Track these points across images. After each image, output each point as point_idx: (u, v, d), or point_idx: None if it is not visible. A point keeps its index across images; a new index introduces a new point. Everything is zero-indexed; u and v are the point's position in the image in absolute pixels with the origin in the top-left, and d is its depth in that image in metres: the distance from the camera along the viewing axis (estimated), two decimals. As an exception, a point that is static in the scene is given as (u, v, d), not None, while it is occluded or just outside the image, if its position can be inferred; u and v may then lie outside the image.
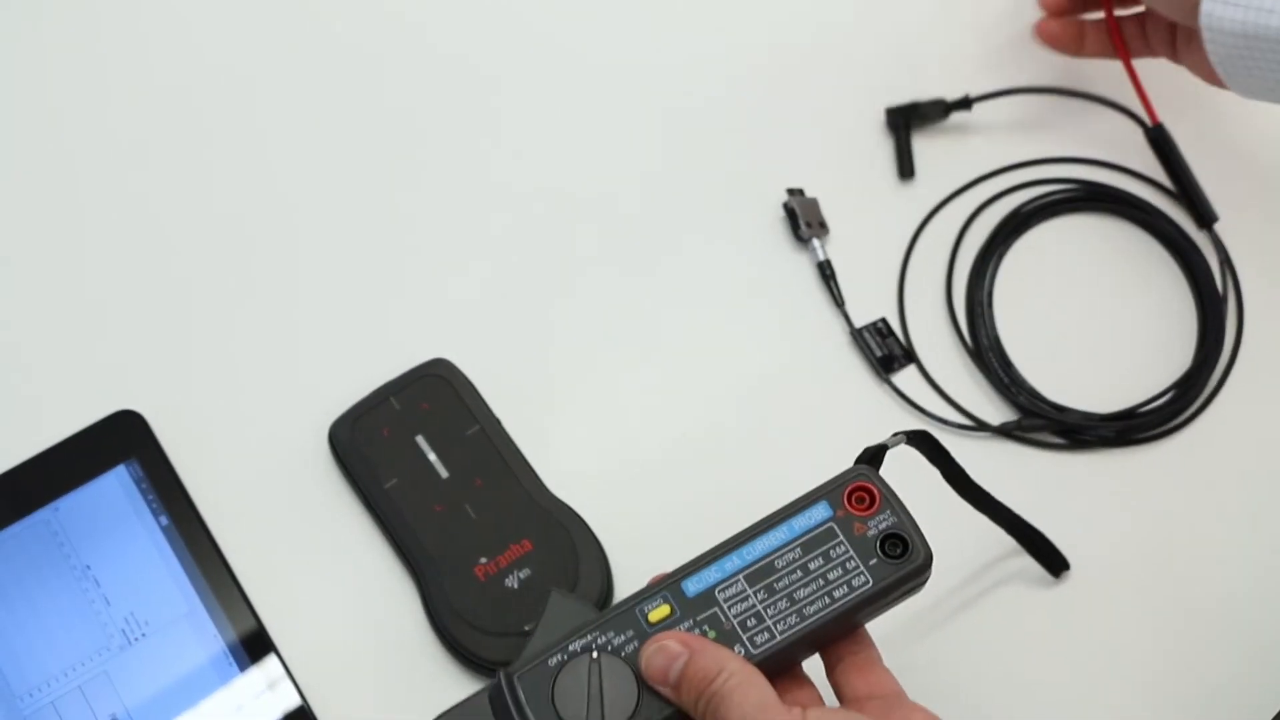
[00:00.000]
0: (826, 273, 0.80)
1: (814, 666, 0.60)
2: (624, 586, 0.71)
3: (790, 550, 0.58)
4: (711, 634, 0.57)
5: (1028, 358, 0.79)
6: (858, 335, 0.78)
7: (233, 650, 0.69)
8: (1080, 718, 0.71)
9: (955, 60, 0.87)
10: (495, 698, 0.58)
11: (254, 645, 0.69)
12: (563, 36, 0.89)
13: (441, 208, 0.83)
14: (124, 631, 0.69)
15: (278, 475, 0.74)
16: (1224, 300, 0.80)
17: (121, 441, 0.73)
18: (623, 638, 0.57)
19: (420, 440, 0.74)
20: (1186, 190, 0.80)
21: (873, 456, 0.61)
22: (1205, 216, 0.80)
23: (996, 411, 0.78)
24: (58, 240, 0.81)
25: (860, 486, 0.59)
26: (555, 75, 0.87)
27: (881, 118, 0.84)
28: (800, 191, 0.82)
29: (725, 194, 0.83)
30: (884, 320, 0.79)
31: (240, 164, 0.84)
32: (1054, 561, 0.72)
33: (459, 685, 0.70)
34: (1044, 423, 0.76)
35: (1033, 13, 0.86)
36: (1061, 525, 0.72)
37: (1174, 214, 0.82)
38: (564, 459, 0.75)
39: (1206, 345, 0.79)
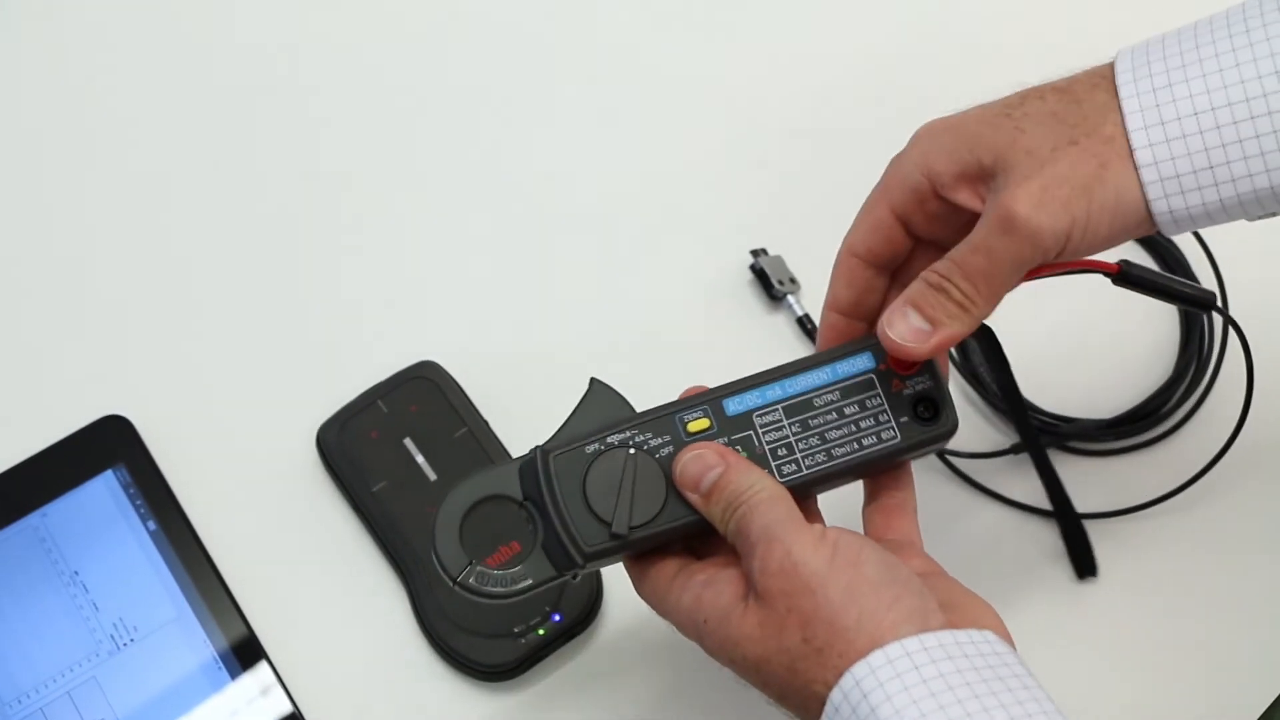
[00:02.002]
0: (808, 327, 0.79)
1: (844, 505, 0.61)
2: (613, 587, 0.71)
3: (830, 391, 0.60)
4: (743, 454, 0.58)
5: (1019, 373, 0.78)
6: None
7: (222, 656, 0.69)
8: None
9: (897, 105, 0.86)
10: (526, 471, 0.59)
11: (244, 650, 0.69)
12: (552, 45, 0.89)
13: (428, 211, 0.83)
14: (113, 637, 0.69)
15: (266, 479, 0.74)
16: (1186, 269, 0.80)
17: (109, 447, 0.73)
18: (659, 440, 0.58)
19: (408, 443, 0.74)
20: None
21: None
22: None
23: (998, 432, 0.77)
24: (44, 246, 0.81)
25: None
26: (543, 83, 0.88)
27: (834, 166, 0.83)
28: (763, 251, 0.81)
29: (694, 262, 0.82)
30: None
31: (224, 166, 0.84)
32: (1084, 562, 0.72)
33: (449, 688, 0.70)
34: (1052, 439, 0.76)
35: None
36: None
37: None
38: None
39: (1190, 346, 0.79)
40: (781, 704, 0.55)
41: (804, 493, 0.60)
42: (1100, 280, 0.79)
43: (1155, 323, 0.80)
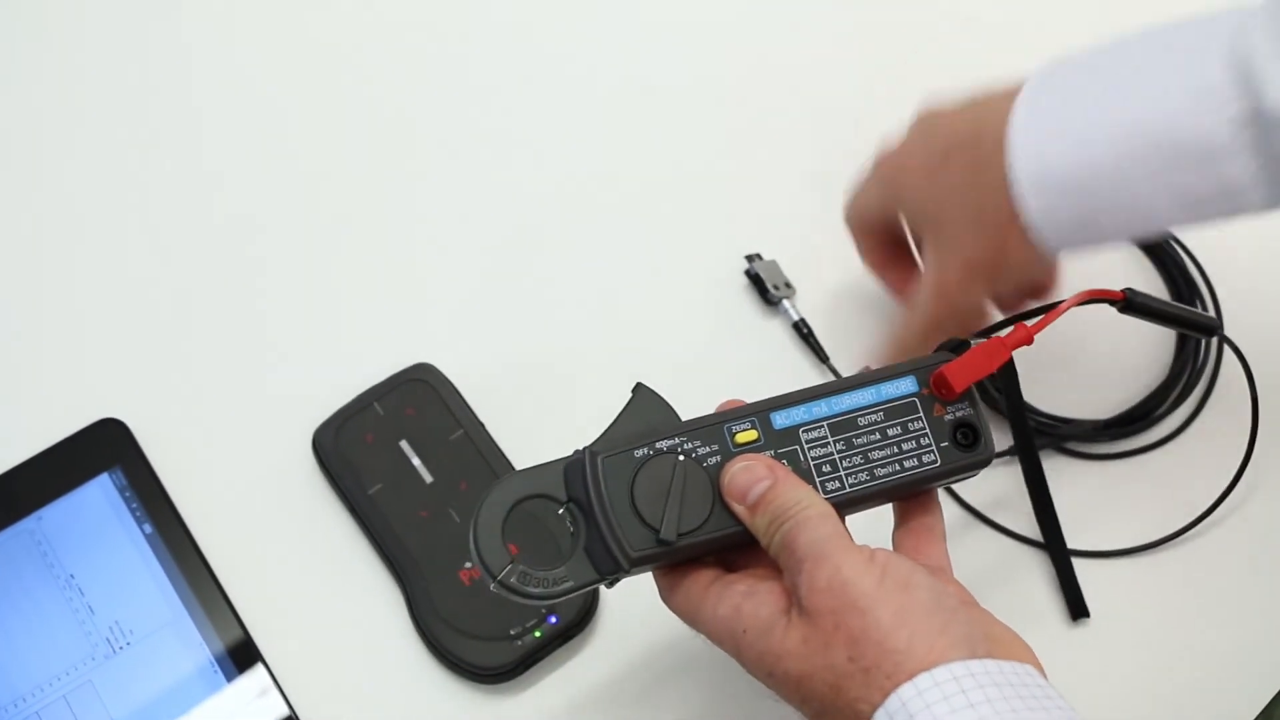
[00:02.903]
0: (804, 331, 0.79)
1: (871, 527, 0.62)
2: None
3: (874, 412, 0.60)
4: (788, 467, 0.59)
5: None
6: None
7: (219, 658, 0.69)
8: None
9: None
10: (572, 471, 0.58)
11: (240, 653, 0.69)
12: (550, 52, 0.89)
13: (424, 214, 0.83)
14: (109, 640, 0.69)
15: (262, 482, 0.74)
16: (1199, 295, 0.80)
17: (104, 450, 0.73)
18: (707, 449, 0.58)
19: (404, 445, 0.74)
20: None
21: (955, 348, 0.63)
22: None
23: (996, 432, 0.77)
24: (40, 249, 0.81)
25: (946, 379, 0.61)
26: (540, 89, 0.88)
27: (825, 171, 0.84)
28: (758, 256, 0.81)
29: (688, 268, 0.82)
30: (868, 368, 0.77)
31: (222, 171, 0.84)
32: (1076, 604, 0.73)
33: (445, 691, 0.70)
34: (1050, 440, 0.76)
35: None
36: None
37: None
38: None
39: (1185, 348, 0.79)
40: None
41: (842, 511, 0.59)
42: (1098, 274, 0.79)
43: (1151, 325, 0.80)
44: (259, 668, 0.69)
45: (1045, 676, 0.54)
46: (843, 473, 0.59)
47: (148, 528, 0.71)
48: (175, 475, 0.73)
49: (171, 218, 0.82)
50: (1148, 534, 0.74)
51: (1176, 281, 0.81)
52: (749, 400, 0.60)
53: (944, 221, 0.68)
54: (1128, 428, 0.77)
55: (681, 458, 0.58)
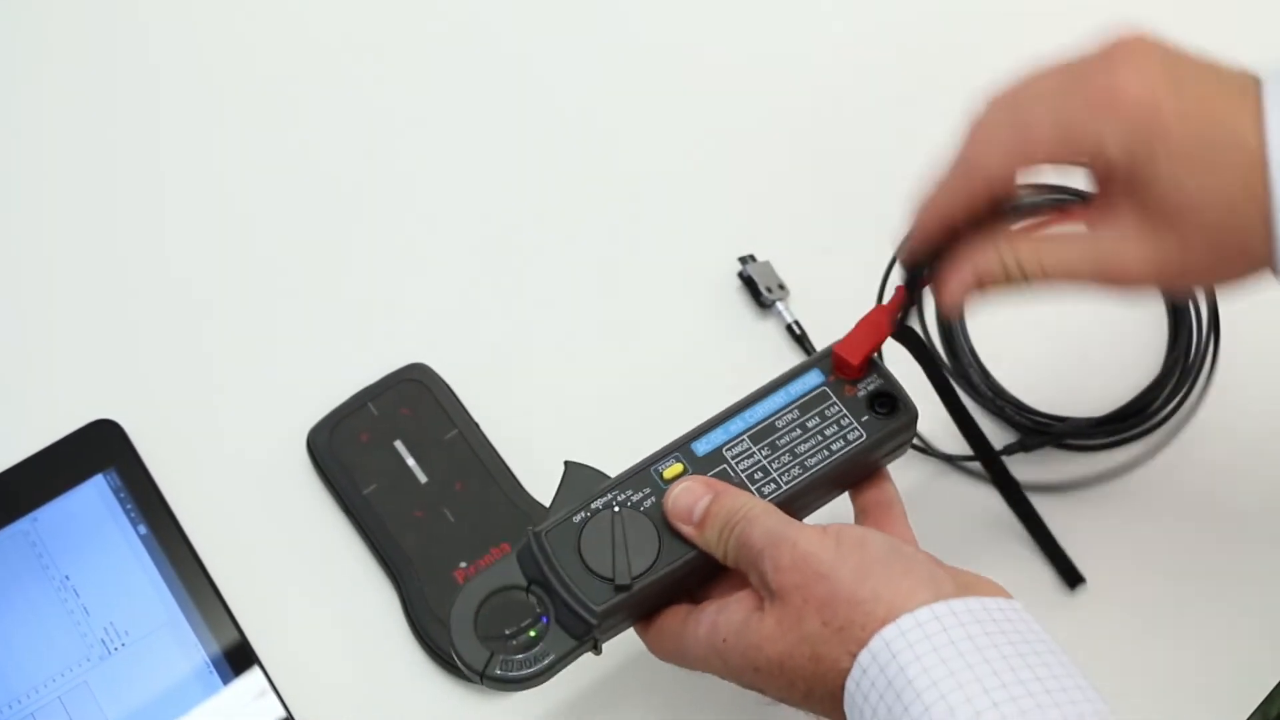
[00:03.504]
0: (797, 333, 0.79)
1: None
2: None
3: (789, 411, 0.62)
4: None
5: (1009, 373, 0.78)
6: None
7: (214, 660, 0.69)
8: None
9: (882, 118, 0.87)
10: (524, 556, 0.60)
11: (235, 654, 0.69)
12: (543, 56, 0.89)
13: (417, 214, 0.83)
14: (104, 642, 0.69)
15: (256, 482, 0.74)
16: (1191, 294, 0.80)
17: (99, 451, 0.73)
18: (640, 494, 0.61)
19: (399, 445, 0.74)
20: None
21: None
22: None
23: (990, 433, 0.76)
24: (33, 249, 0.81)
25: (842, 357, 0.63)
26: (533, 90, 0.88)
27: (819, 172, 0.84)
28: (751, 258, 0.81)
29: (681, 269, 0.82)
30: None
31: (216, 169, 0.84)
32: (1069, 574, 0.73)
33: (441, 690, 0.70)
34: (1045, 438, 0.76)
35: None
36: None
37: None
38: (542, 462, 0.74)
39: (1178, 344, 0.79)
40: (808, 703, 0.56)
41: (793, 510, 0.61)
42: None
43: (1144, 321, 0.80)
44: (255, 669, 0.69)
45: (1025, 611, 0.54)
46: (775, 474, 0.61)
47: (143, 529, 0.71)
48: (170, 476, 0.73)
49: (165, 219, 0.82)
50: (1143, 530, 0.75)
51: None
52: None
53: (1186, 213, 0.56)
54: (1122, 424, 0.77)
55: (617, 509, 0.60)
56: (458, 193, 0.84)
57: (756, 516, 0.57)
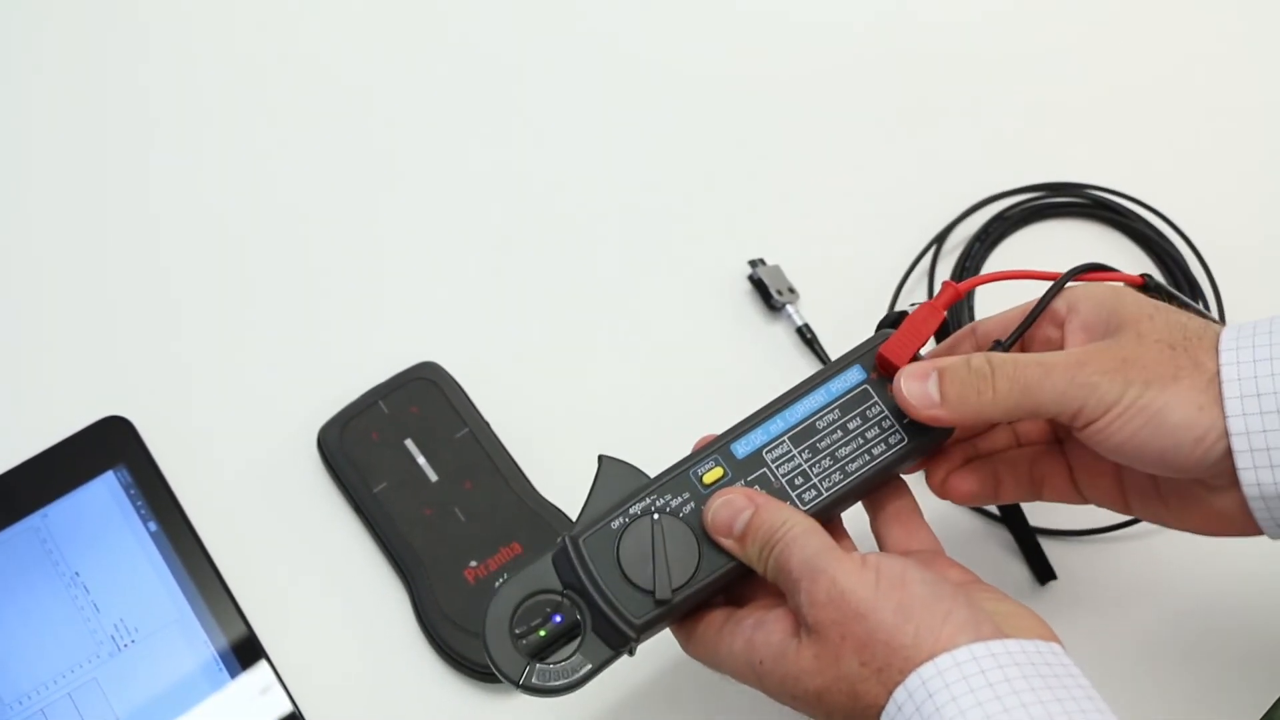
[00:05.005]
0: (808, 336, 0.79)
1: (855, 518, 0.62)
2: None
3: (830, 411, 0.61)
4: (762, 491, 0.59)
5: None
6: None
7: (223, 656, 0.69)
8: None
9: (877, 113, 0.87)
10: (560, 560, 0.59)
11: (244, 651, 0.69)
12: (553, 56, 0.90)
13: (429, 213, 0.83)
14: (113, 638, 0.69)
15: (267, 480, 0.74)
16: (1200, 294, 0.80)
17: (110, 447, 0.73)
18: (679, 499, 0.59)
19: (409, 444, 0.74)
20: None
21: (894, 322, 0.63)
22: None
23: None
24: (46, 247, 0.81)
25: (887, 359, 0.61)
26: (545, 93, 0.88)
27: (828, 175, 0.84)
28: (761, 261, 0.81)
29: (691, 273, 0.82)
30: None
31: (228, 170, 0.84)
32: (1042, 570, 0.73)
33: (450, 688, 0.70)
34: None
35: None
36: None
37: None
38: (553, 461, 0.75)
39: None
40: None
41: (830, 515, 0.60)
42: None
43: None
44: (263, 665, 0.69)
45: (1063, 647, 0.54)
46: (816, 480, 0.60)
47: (152, 525, 0.71)
48: (180, 473, 0.73)
49: (176, 219, 0.82)
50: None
51: (1177, 278, 0.81)
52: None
53: (1141, 327, 0.58)
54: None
55: (656, 515, 0.58)
56: (469, 193, 0.84)
57: (795, 538, 0.56)
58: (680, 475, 0.60)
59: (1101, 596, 0.73)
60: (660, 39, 0.90)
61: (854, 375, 0.61)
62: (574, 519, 0.71)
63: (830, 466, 0.60)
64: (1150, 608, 0.73)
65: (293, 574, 0.72)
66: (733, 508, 0.58)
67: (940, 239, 0.82)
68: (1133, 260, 0.83)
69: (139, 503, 0.72)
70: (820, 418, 0.60)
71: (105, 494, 0.72)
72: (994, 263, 0.82)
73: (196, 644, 0.69)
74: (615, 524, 0.58)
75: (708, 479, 0.59)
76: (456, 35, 0.90)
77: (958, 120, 0.87)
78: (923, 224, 0.83)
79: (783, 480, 0.59)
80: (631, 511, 0.59)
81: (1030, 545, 0.73)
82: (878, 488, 0.61)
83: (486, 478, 0.73)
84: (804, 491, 0.59)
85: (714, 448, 0.60)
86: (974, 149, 0.86)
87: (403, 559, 0.71)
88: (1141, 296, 0.59)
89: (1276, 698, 0.71)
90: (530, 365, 0.78)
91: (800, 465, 0.60)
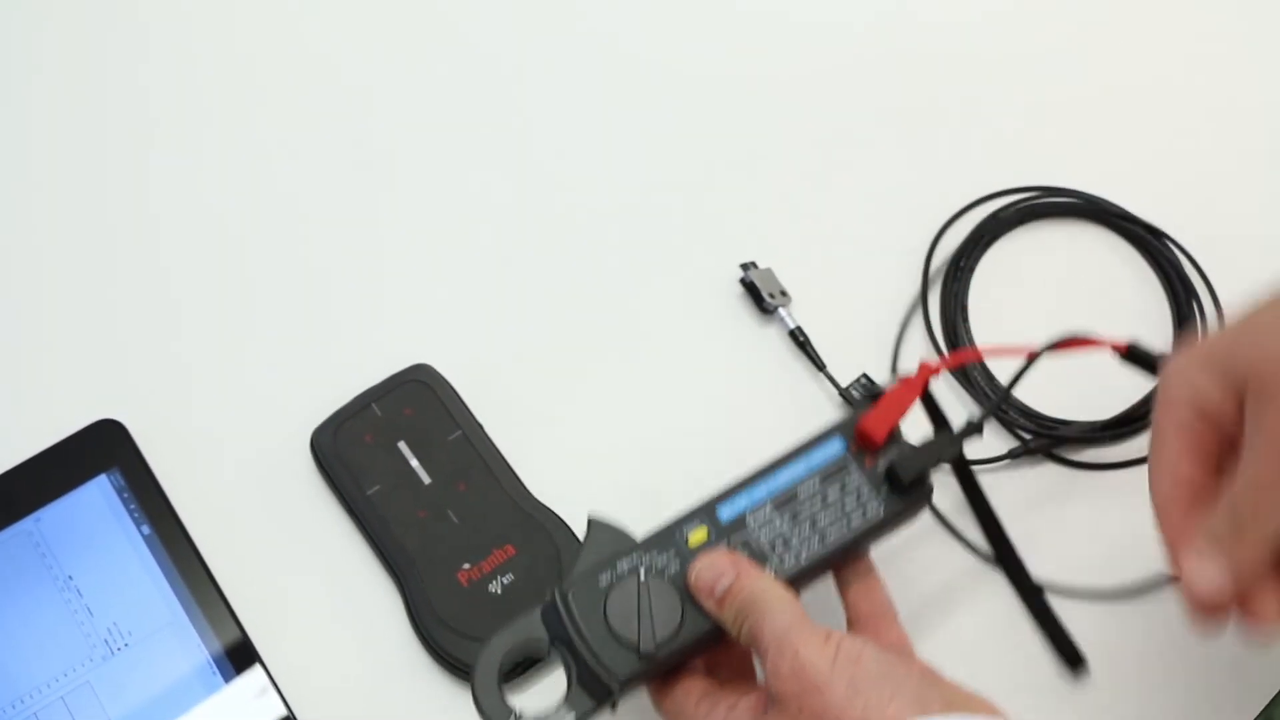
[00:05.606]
0: (800, 339, 0.79)
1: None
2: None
3: (811, 480, 0.63)
4: (745, 555, 0.61)
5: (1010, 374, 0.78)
6: (847, 395, 0.77)
7: (217, 660, 0.69)
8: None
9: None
10: (548, 613, 0.61)
11: (238, 654, 0.69)
12: (546, 61, 0.89)
13: (422, 214, 0.83)
14: (107, 642, 0.69)
15: (260, 483, 0.74)
16: (1195, 295, 0.80)
17: (103, 451, 0.73)
18: (664, 558, 0.61)
19: (402, 446, 0.74)
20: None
21: (873, 395, 0.65)
22: None
23: (996, 438, 0.77)
24: (40, 248, 0.81)
25: (866, 433, 0.63)
26: (538, 97, 0.88)
27: (820, 176, 0.84)
28: (753, 264, 0.81)
29: (683, 275, 0.82)
30: (866, 375, 0.77)
31: (222, 171, 0.84)
32: (1072, 657, 0.67)
33: (444, 691, 0.70)
34: (1048, 441, 0.76)
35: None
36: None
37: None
38: (546, 463, 0.75)
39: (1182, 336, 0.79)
40: None
41: (806, 579, 0.62)
42: (1092, 282, 0.80)
43: (1145, 322, 0.80)
44: (257, 668, 0.69)
45: None
46: (795, 546, 0.62)
47: (146, 529, 0.71)
48: (173, 476, 0.73)
49: (170, 220, 0.82)
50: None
51: (1174, 284, 0.81)
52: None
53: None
54: (1127, 428, 0.77)
55: (643, 573, 0.61)
56: (461, 195, 0.84)
57: (769, 608, 0.58)
58: (668, 535, 0.62)
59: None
60: (660, 40, 0.90)
61: (835, 446, 0.64)
62: (566, 521, 0.72)
63: (810, 533, 0.62)
64: (1150, 608, 0.73)
65: (286, 577, 0.72)
66: (715, 570, 0.60)
67: (934, 242, 0.82)
68: (1127, 261, 0.82)
69: (132, 506, 0.72)
70: (802, 486, 0.63)
71: (98, 497, 0.72)
72: (986, 264, 0.82)
73: (190, 647, 0.69)
74: (603, 580, 0.60)
75: (693, 540, 0.62)
76: (456, 35, 0.90)
77: (955, 122, 0.87)
78: (918, 226, 0.83)
79: (764, 545, 0.62)
80: (619, 569, 0.61)
81: (1051, 624, 0.68)
82: (850, 558, 0.63)
83: (480, 480, 0.73)
84: (784, 556, 0.62)
85: (699, 509, 0.62)
86: (972, 150, 0.86)
87: (396, 561, 0.71)
88: (1251, 337, 0.57)
89: (1271, 697, 0.70)
90: (523, 367, 0.78)
91: (781, 531, 0.62)
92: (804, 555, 0.62)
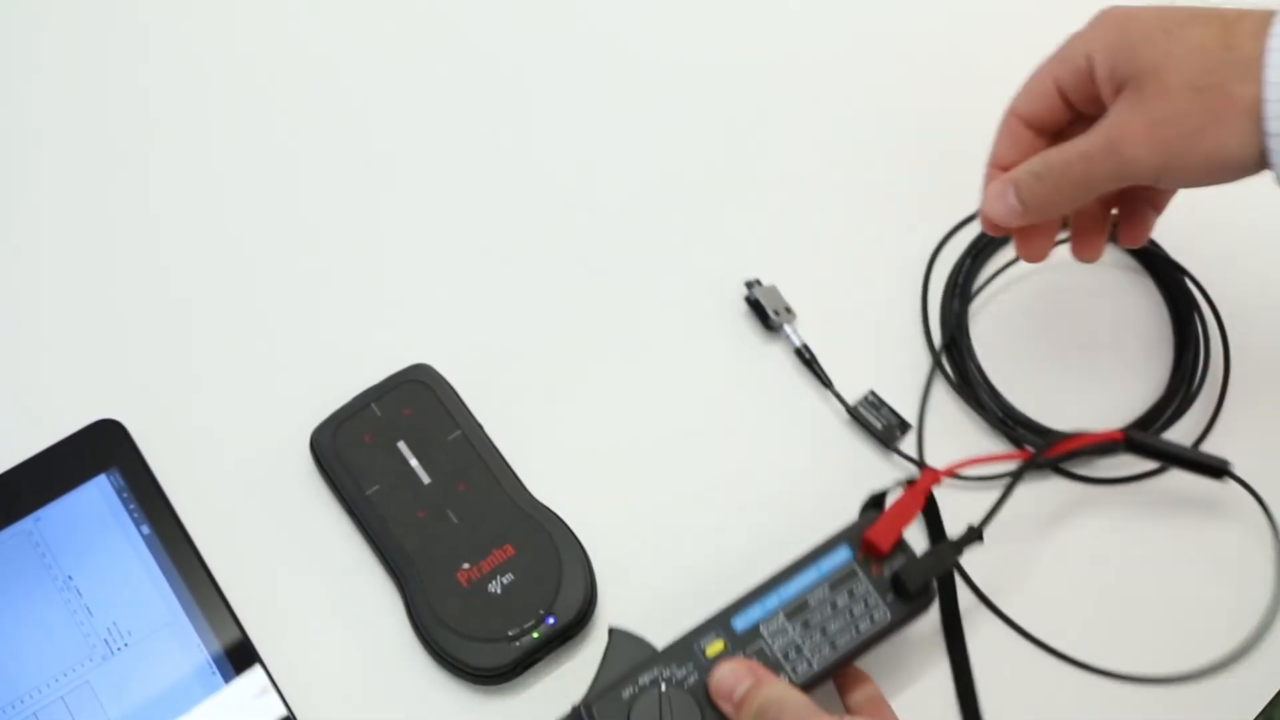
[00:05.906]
0: (806, 356, 0.78)
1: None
2: (607, 589, 0.71)
3: (820, 589, 0.66)
4: (761, 663, 0.64)
5: (1019, 391, 0.78)
6: (855, 413, 0.76)
7: (216, 659, 0.69)
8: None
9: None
10: None
11: (238, 654, 0.69)
12: (550, 69, 0.89)
13: (422, 214, 0.83)
14: (106, 642, 0.69)
15: (260, 483, 0.74)
16: (1195, 305, 0.80)
17: (102, 450, 0.73)
18: (684, 670, 0.64)
19: (402, 446, 0.74)
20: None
21: (877, 502, 0.68)
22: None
23: (995, 448, 0.77)
24: (37, 249, 0.81)
25: (873, 542, 0.66)
26: (543, 105, 0.88)
27: (825, 194, 0.84)
28: (758, 281, 0.80)
29: (686, 291, 0.81)
30: (873, 392, 0.77)
31: (221, 171, 0.84)
32: None
33: (444, 692, 0.70)
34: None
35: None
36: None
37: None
38: (546, 462, 0.75)
39: (1185, 356, 0.78)
40: None
41: (819, 683, 0.64)
42: (1093, 287, 0.79)
43: (1150, 338, 0.80)
44: (256, 668, 0.69)
45: None
46: (807, 653, 0.64)
47: (145, 529, 0.71)
48: (173, 476, 0.73)
49: (170, 221, 0.82)
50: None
51: (1174, 293, 0.80)
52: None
53: (1162, 72, 0.62)
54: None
55: (664, 686, 0.63)
56: (463, 197, 0.84)
57: (785, 707, 0.60)
58: (686, 647, 0.64)
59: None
60: (660, 39, 0.90)
61: (842, 554, 0.66)
62: (565, 520, 0.72)
63: (821, 640, 0.64)
64: (1148, 607, 0.73)
65: (286, 577, 0.72)
66: (735, 676, 0.63)
67: (931, 259, 0.82)
68: (1124, 266, 0.82)
69: (131, 506, 0.72)
70: (812, 594, 0.65)
71: (98, 497, 0.72)
72: (985, 276, 0.82)
73: (190, 647, 0.69)
74: (626, 694, 0.63)
75: (710, 652, 0.64)
76: (456, 35, 0.90)
77: (961, 133, 0.86)
78: (920, 242, 0.83)
79: (777, 654, 0.64)
80: (640, 682, 0.63)
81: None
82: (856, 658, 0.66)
83: (479, 480, 0.73)
84: (798, 664, 0.64)
85: (715, 620, 0.65)
86: (977, 162, 0.86)
87: (395, 561, 0.71)
88: (1151, 24, 0.63)
89: (1271, 697, 0.70)
90: (523, 367, 0.78)
91: (793, 639, 0.64)
92: (816, 661, 0.64)
